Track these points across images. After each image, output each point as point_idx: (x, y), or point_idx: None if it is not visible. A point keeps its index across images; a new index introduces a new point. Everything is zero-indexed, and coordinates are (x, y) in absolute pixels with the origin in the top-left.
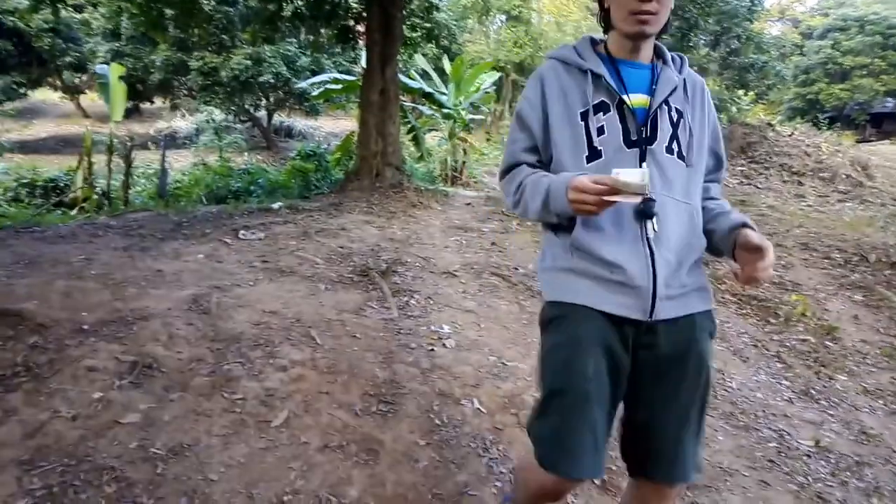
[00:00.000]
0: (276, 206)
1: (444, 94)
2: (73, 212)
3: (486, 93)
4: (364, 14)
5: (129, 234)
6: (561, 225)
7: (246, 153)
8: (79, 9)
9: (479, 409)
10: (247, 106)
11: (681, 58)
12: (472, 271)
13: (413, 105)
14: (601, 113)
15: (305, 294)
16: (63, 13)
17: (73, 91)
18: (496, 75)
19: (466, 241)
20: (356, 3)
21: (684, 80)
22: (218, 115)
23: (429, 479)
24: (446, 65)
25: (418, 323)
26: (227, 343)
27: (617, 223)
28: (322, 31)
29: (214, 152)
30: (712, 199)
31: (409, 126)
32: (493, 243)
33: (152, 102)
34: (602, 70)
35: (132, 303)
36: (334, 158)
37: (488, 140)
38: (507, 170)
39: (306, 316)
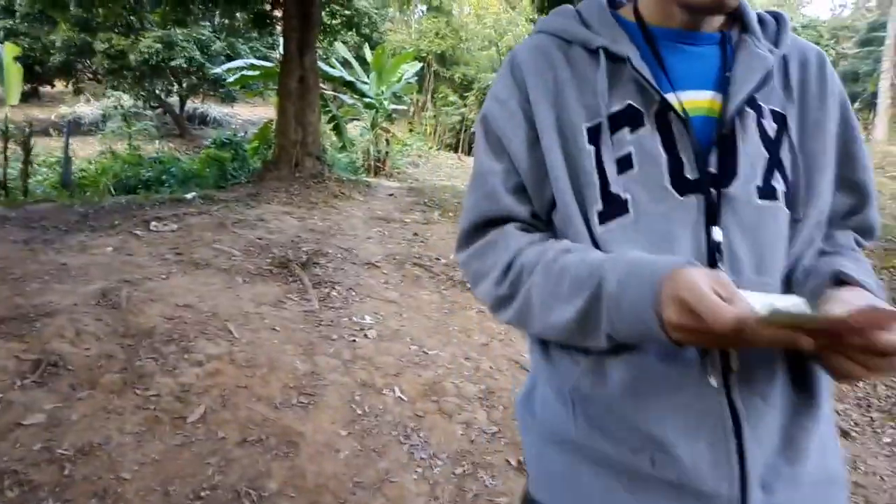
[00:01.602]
0: (189, 196)
1: (365, 83)
2: None
3: (409, 83)
4: None
5: (29, 226)
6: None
7: (157, 141)
8: None
9: (400, 397)
10: (157, 91)
11: (777, 18)
12: (395, 262)
13: (334, 94)
14: (626, 128)
15: (222, 287)
16: None
17: None
18: (418, 65)
19: (389, 231)
20: None
21: (784, 57)
22: (126, 100)
23: (350, 468)
24: (368, 54)
25: (340, 314)
26: (139, 338)
27: (665, 352)
28: (237, 14)
29: (123, 140)
30: (835, 251)
31: (329, 115)
32: (415, 234)
33: (53, 86)
34: (627, 49)
35: (34, 298)
36: (252, 147)
37: (411, 131)
38: (476, 229)
39: (223, 309)
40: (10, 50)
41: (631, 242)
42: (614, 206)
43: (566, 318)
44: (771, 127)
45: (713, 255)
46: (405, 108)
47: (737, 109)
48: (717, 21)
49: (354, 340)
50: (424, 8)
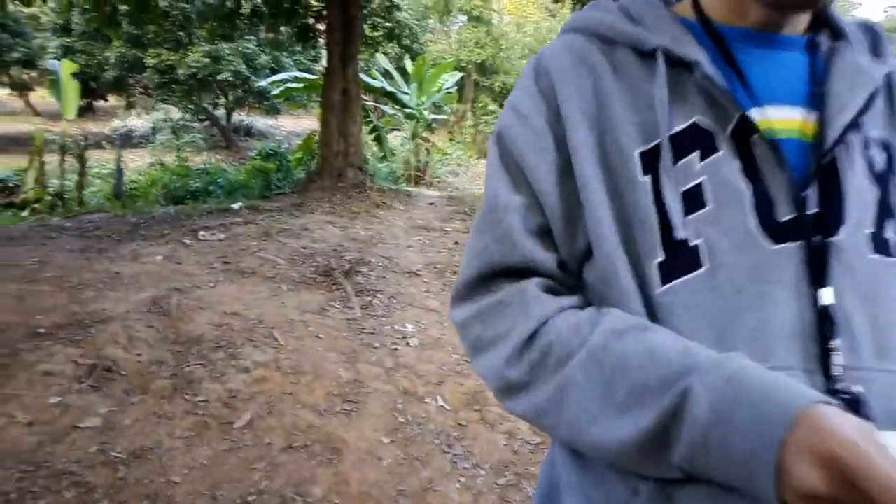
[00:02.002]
0: (236, 206)
1: (406, 93)
2: (24, 213)
3: (448, 93)
4: (324, 13)
5: (84, 235)
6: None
7: (204, 152)
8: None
9: (442, 406)
10: (205, 104)
11: (870, 27)
12: (436, 271)
13: (375, 104)
14: (695, 153)
15: (267, 295)
16: (10, 7)
17: (21, 88)
18: (458, 75)
19: (429, 240)
20: (316, 1)
21: (889, 75)
22: (175, 113)
23: (393, 477)
24: (408, 64)
25: (382, 322)
26: (188, 345)
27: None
28: (282, 29)
29: (172, 152)
30: None
31: (371, 125)
32: (455, 242)
33: (106, 100)
34: (693, 51)
35: (90, 306)
36: (296, 158)
37: (451, 140)
38: (482, 281)
39: (269, 317)
40: (67, 67)
41: (705, 310)
42: (681, 258)
43: (619, 438)
44: (879, 159)
45: (822, 329)
46: (445, 117)
47: (840, 134)
48: (802, 22)
49: (396, 349)
50: (464, 18)
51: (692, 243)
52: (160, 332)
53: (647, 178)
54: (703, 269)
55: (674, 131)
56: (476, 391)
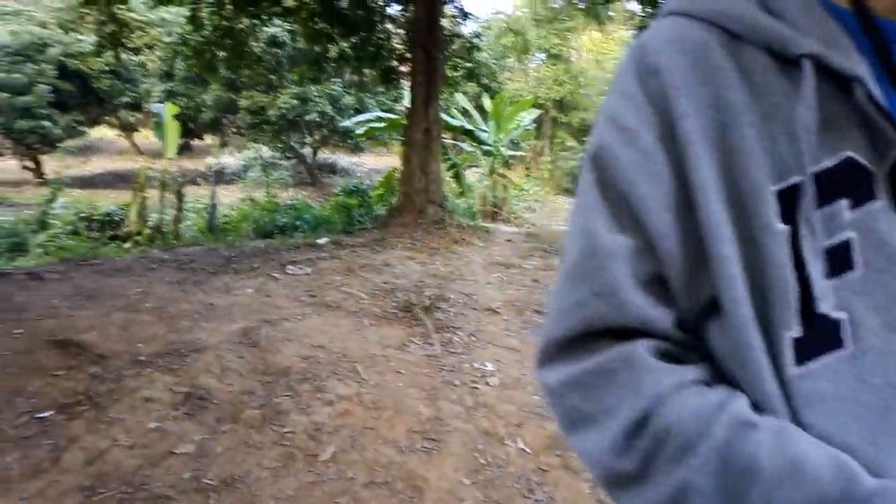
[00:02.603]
0: (321, 241)
1: (484, 131)
2: (127, 245)
3: (527, 130)
4: (407, 55)
5: (181, 267)
6: None
7: (291, 189)
8: (136, 51)
9: (523, 449)
10: (293, 143)
11: None
12: (515, 308)
13: (454, 142)
14: (844, 200)
15: (351, 329)
16: (123, 56)
17: (128, 129)
18: (536, 112)
19: (508, 277)
20: (399, 44)
21: None
22: (265, 151)
23: None
24: (486, 103)
25: (461, 360)
26: (277, 376)
27: None
28: (366, 71)
29: (261, 188)
30: None
31: (450, 163)
32: (534, 280)
33: (203, 139)
34: (854, 62)
35: (185, 335)
36: (377, 194)
37: (528, 176)
38: (577, 341)
39: (352, 351)
40: (170, 109)
41: (852, 405)
42: (820, 333)
43: None
44: None
45: None
46: (523, 154)
47: None
48: None
49: (476, 387)
50: (543, 56)
51: (833, 316)
52: (250, 362)
53: (785, 228)
54: (845, 351)
55: (820, 168)
56: (558, 435)
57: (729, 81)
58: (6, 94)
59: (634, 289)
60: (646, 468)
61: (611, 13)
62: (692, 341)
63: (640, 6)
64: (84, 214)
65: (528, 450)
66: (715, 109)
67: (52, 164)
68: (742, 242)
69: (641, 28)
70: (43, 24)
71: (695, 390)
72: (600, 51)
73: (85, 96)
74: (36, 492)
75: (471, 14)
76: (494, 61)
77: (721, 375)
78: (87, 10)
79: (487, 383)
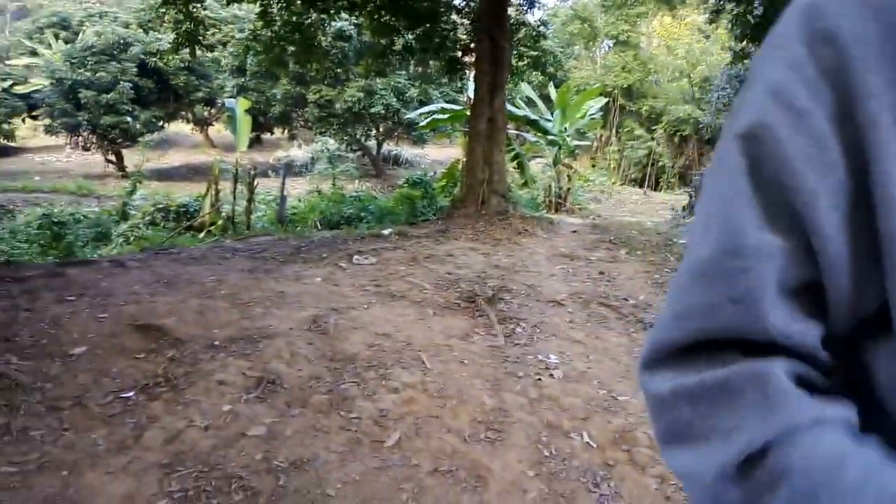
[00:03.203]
0: (386, 232)
1: (549, 120)
2: (201, 235)
3: (593, 119)
4: (472, 45)
5: (253, 257)
6: None
7: (356, 180)
8: (211, 48)
9: (588, 442)
10: (358, 136)
11: None
12: (580, 301)
13: (517, 132)
14: None
15: (415, 318)
16: (198, 53)
17: (202, 123)
18: (603, 101)
19: (573, 269)
20: (464, 35)
21: None
22: (332, 144)
23: None
24: (552, 92)
25: (525, 351)
26: (344, 363)
27: None
28: (430, 62)
29: (328, 180)
30: None
31: (513, 153)
32: (600, 272)
33: (272, 133)
34: None
35: (258, 322)
36: (440, 186)
37: (594, 166)
38: (697, 348)
39: (416, 340)
40: (242, 104)
41: None
42: None
43: None
44: None
45: None
46: (589, 143)
47: None
48: None
49: (540, 379)
50: (611, 43)
51: None
52: (319, 349)
53: None
54: None
55: None
56: (625, 430)
57: None
58: (93, 92)
59: (780, 298)
60: (755, 502)
61: None
62: (836, 364)
63: None
64: (161, 206)
65: (593, 444)
66: None
67: (132, 158)
68: None
69: (716, 12)
70: (126, 25)
71: (837, 433)
72: (671, 36)
73: (162, 92)
74: (120, 467)
75: (537, 1)
76: (561, 49)
77: (874, 410)
78: (166, 9)
79: (551, 375)
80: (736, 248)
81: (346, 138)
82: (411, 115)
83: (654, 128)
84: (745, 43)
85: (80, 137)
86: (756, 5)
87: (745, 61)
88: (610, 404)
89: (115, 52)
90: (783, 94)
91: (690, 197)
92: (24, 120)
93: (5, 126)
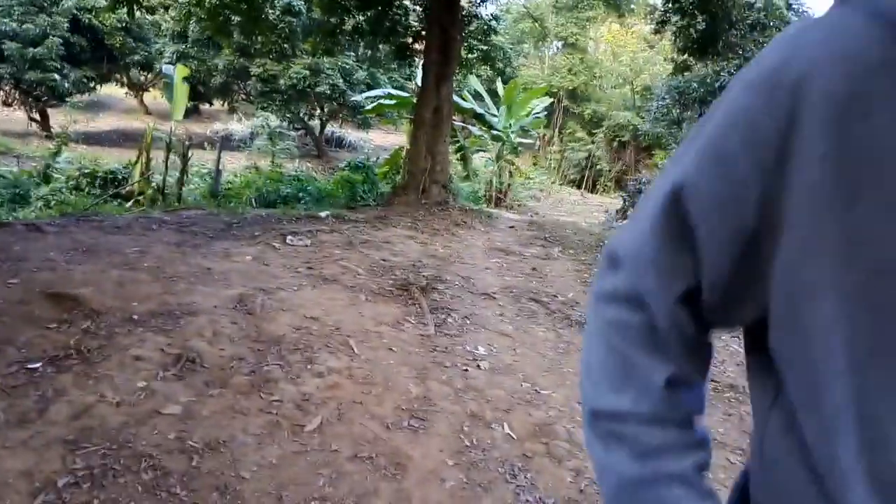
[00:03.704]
0: (323, 214)
1: (494, 115)
2: (129, 204)
3: (537, 118)
4: (423, 33)
5: (181, 230)
6: None
7: (297, 160)
8: (151, 10)
9: (509, 434)
10: (302, 114)
11: None
12: (511, 295)
13: (463, 125)
14: None
15: (346, 303)
16: (137, 14)
17: (137, 88)
18: (548, 101)
19: (507, 264)
20: (416, 22)
21: None
22: (273, 120)
23: (455, 500)
24: (499, 87)
25: (454, 342)
26: (268, 344)
27: None
28: (380, 46)
29: (267, 157)
30: None
31: (457, 145)
32: (533, 268)
33: (211, 104)
34: None
35: (181, 297)
36: (382, 172)
37: (535, 164)
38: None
39: (346, 325)
40: (180, 71)
41: None
42: None
43: None
44: None
45: None
46: (531, 141)
47: None
48: None
49: (467, 370)
50: (560, 44)
51: None
52: (243, 329)
53: None
54: None
55: None
56: (545, 423)
57: (886, 113)
58: (18, 45)
59: (667, 290)
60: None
61: (632, 6)
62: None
63: (662, 1)
64: (87, 171)
65: (513, 435)
66: (863, 151)
67: (58, 118)
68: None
69: (662, 23)
70: None
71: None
72: (618, 43)
73: (96, 52)
74: (20, 441)
75: None
76: (510, 46)
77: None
78: None
79: (478, 367)
80: (658, 269)
81: (288, 116)
82: (357, 97)
83: (594, 131)
84: (686, 55)
85: (2, 92)
86: (699, 20)
87: (686, 73)
88: (532, 397)
89: (46, 4)
90: (719, 140)
91: (624, 201)
92: None
93: None
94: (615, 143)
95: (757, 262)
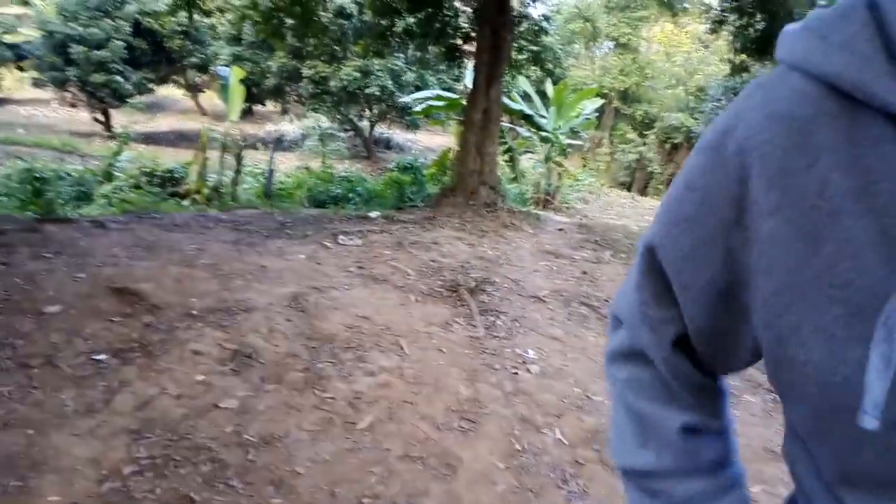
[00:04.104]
0: (373, 214)
1: (543, 117)
2: (186, 202)
3: (587, 119)
4: (472, 34)
5: (237, 228)
6: None
7: (346, 161)
8: (208, 13)
9: (560, 439)
10: (351, 115)
11: None
12: (561, 298)
13: (511, 126)
14: None
15: (396, 303)
16: (195, 17)
17: (194, 89)
18: (599, 102)
19: (557, 266)
20: (466, 23)
21: None
22: (324, 122)
23: (505, 503)
24: (549, 88)
25: (503, 344)
26: (321, 342)
27: None
28: (430, 48)
29: (318, 157)
30: None
31: (505, 147)
32: (583, 272)
33: (265, 105)
34: None
35: (237, 294)
36: (430, 173)
37: (584, 166)
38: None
39: (396, 325)
40: (236, 73)
41: None
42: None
43: None
44: None
45: None
46: (581, 143)
47: None
48: None
49: (516, 373)
50: (611, 45)
51: None
52: (297, 326)
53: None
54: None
55: None
56: (597, 429)
57: (830, 164)
58: (84, 48)
59: (658, 338)
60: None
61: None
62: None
63: (718, 0)
64: (147, 169)
65: (565, 441)
66: (813, 200)
67: (120, 119)
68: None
69: (718, 23)
70: None
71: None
72: (671, 43)
73: (156, 54)
74: (87, 430)
75: None
76: (561, 46)
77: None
78: None
79: (528, 370)
80: (640, 308)
81: (338, 117)
82: (406, 99)
83: (646, 133)
84: (744, 56)
85: (68, 93)
86: (758, 19)
87: (743, 74)
88: (584, 403)
89: (110, 9)
90: (680, 203)
91: None
92: (11, 70)
93: None
94: (667, 145)
95: (737, 310)
